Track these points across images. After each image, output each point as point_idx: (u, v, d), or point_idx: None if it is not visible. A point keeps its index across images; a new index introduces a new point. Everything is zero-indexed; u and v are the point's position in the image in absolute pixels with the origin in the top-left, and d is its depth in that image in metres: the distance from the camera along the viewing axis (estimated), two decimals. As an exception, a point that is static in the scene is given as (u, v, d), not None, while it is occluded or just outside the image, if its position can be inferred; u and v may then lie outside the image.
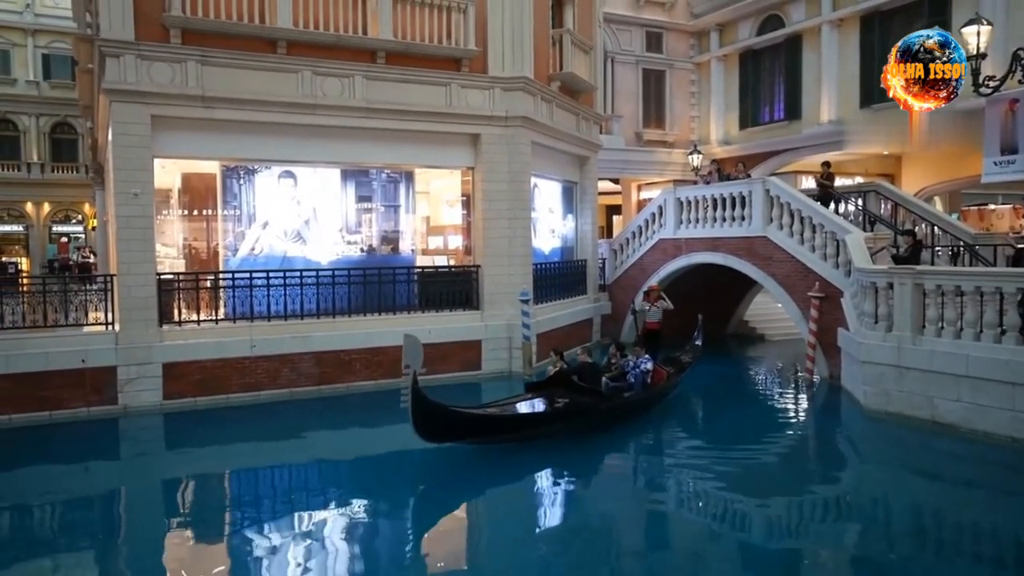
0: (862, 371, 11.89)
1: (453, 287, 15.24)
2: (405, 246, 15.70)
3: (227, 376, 12.75)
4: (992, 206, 31.57)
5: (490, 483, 9.41)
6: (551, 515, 8.70)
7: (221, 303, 13.45)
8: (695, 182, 20.86)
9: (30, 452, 10.47)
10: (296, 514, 8.41)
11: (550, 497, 9.31)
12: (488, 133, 15.09)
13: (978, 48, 11.30)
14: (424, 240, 17.55)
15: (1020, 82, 11.60)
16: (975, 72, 11.42)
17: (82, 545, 7.70)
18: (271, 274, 13.43)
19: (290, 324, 13.38)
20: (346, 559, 7.22)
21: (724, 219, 16.58)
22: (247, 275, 13.32)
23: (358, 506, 8.71)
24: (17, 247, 39.41)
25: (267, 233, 14.07)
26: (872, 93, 20.00)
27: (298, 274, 13.65)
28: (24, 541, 7.87)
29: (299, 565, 6.96)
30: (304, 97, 13.32)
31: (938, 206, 23.73)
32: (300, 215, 14.36)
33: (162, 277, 12.77)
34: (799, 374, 15.27)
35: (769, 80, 24.57)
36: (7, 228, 39.73)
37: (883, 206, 16.83)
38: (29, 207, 39.27)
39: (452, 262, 16.82)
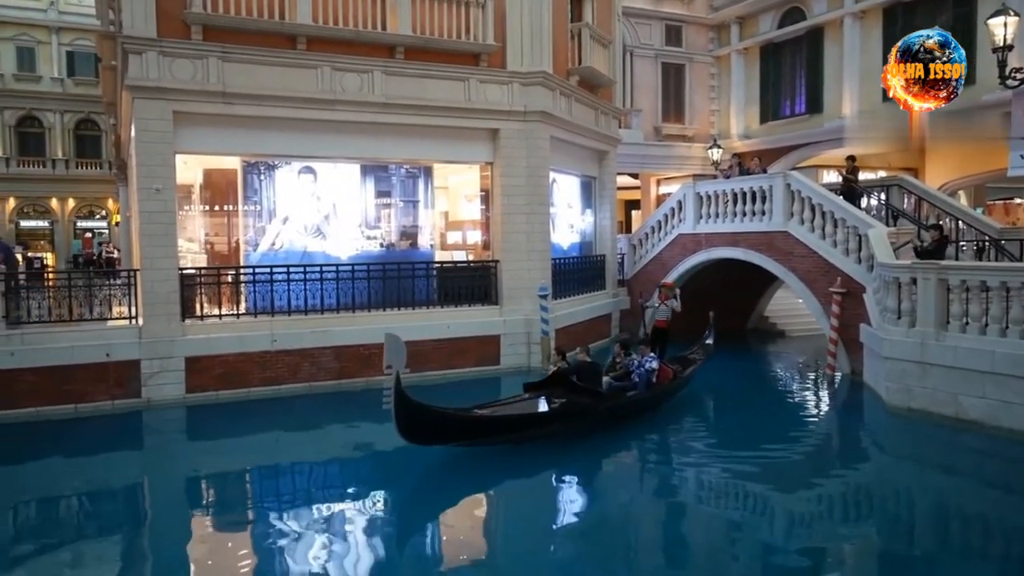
0: (884, 367, 11.77)
1: (472, 282, 15.26)
2: (424, 241, 15.74)
3: (248, 370, 12.87)
4: (1018, 200, 31.04)
5: (492, 483, 9.23)
6: (565, 514, 8.66)
7: (242, 298, 13.57)
8: (714, 177, 20.72)
9: (57, 444, 10.63)
10: (312, 508, 8.48)
11: (567, 497, 9.25)
12: (507, 128, 15.08)
13: (1005, 40, 11.13)
14: (443, 235, 17.59)
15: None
16: (1001, 64, 11.26)
17: (107, 535, 7.82)
18: (291, 269, 13.53)
19: (310, 319, 13.48)
20: (356, 555, 7.23)
21: (744, 214, 16.46)
22: (268, 270, 13.43)
23: (371, 501, 8.73)
24: (43, 242, 39.97)
25: (287, 228, 14.16)
26: (895, 86, 19.72)
27: (318, 269, 13.74)
28: (51, 531, 8.01)
29: (315, 559, 7.01)
30: (323, 93, 13.38)
31: (963, 200, 23.41)
32: (320, 210, 14.44)
33: (184, 272, 12.90)
34: (820, 370, 15.15)
35: (790, 73, 24.31)
36: (33, 224, 40.33)
37: (906, 200, 16.62)
38: (54, 203, 39.84)
39: (471, 257, 16.84)
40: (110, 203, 39.66)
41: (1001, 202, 30.57)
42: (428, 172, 15.65)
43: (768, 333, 20.45)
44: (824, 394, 14.15)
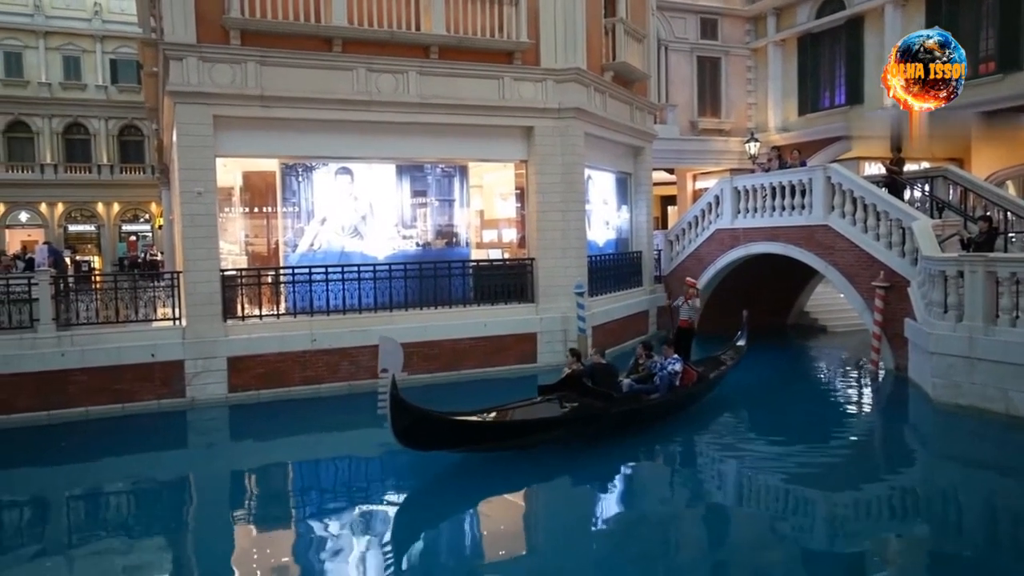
0: (931, 362, 11.49)
1: (508, 280, 15.27)
2: (460, 240, 15.80)
3: (288, 369, 13.05)
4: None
5: (502, 488, 8.97)
6: (578, 520, 8.36)
7: (282, 298, 13.77)
8: (752, 171, 20.43)
9: (106, 442, 10.92)
10: (349, 507, 8.58)
11: (583, 502, 9.05)
12: (541, 125, 15.05)
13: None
14: (478, 233, 17.63)
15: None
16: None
17: (154, 530, 8.02)
18: (329, 269, 13.68)
19: (348, 318, 13.61)
20: (379, 553, 7.30)
21: (783, 208, 16.20)
22: (307, 270, 13.60)
23: (403, 500, 8.78)
24: (90, 246, 41.11)
25: (325, 229, 14.33)
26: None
27: (356, 269, 13.87)
28: (100, 525, 8.27)
29: (349, 557, 7.11)
30: (359, 94, 13.49)
31: (1011, 191, 22.72)
32: (357, 211, 14.58)
33: (225, 273, 13.12)
34: (863, 366, 14.84)
35: (829, 64, 23.87)
36: (80, 228, 41.48)
37: (951, 191, 16.19)
38: (100, 207, 40.91)
39: (506, 255, 16.85)
40: (153, 207, 40.60)
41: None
42: (463, 171, 15.70)
43: (809, 328, 20.10)
44: (868, 391, 13.87)
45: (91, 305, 12.66)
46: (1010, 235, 14.76)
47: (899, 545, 7.34)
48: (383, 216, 14.82)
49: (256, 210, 15.26)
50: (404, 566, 6.95)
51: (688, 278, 15.61)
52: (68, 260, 24.83)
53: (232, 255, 14.94)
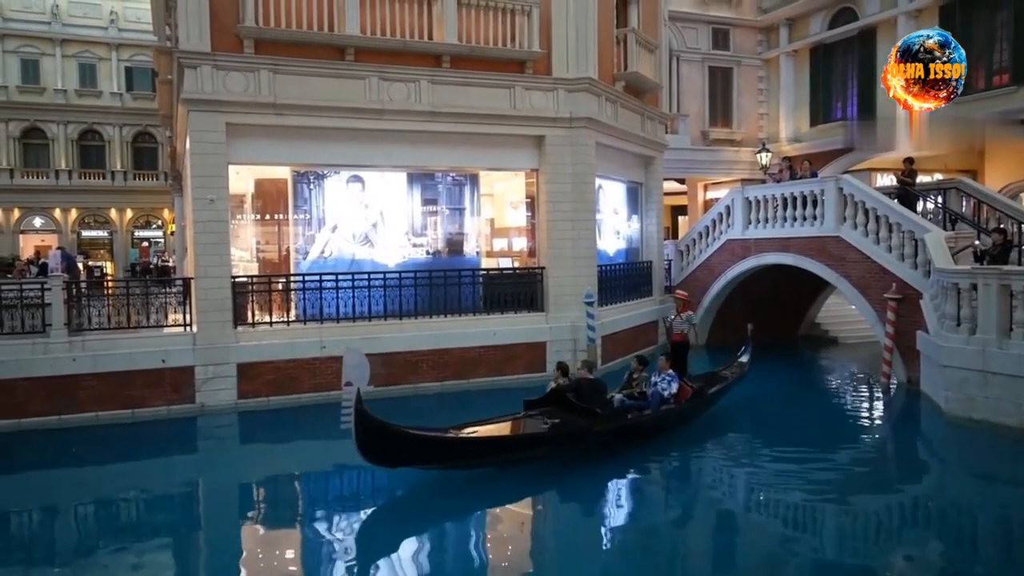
0: (943, 376, 11.40)
1: (518, 289, 15.26)
2: (470, 248, 15.81)
3: (298, 376, 13.07)
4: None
5: (508, 500, 8.94)
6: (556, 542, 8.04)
7: (292, 305, 13.79)
8: (763, 181, 20.38)
9: (116, 448, 10.97)
10: (356, 513, 8.62)
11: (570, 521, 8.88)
12: (552, 135, 15.06)
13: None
14: (489, 242, 17.63)
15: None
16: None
17: (163, 535, 8.04)
18: (340, 277, 13.70)
19: (358, 325, 13.62)
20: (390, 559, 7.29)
21: (795, 219, 16.15)
22: (317, 278, 13.63)
23: (402, 509, 8.72)
24: (102, 251, 41.38)
25: (336, 236, 14.36)
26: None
27: (366, 276, 13.89)
28: (109, 531, 8.28)
29: (355, 562, 7.10)
30: (371, 102, 13.55)
31: (1025, 203, 22.58)
32: (368, 218, 14.62)
33: (236, 280, 13.17)
34: (874, 379, 14.73)
35: (841, 75, 23.82)
36: (94, 233, 41.76)
37: (965, 203, 16.09)
38: (113, 213, 41.20)
39: (516, 264, 16.85)
40: (166, 213, 40.88)
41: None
42: (474, 179, 15.72)
43: (820, 340, 19.99)
44: (879, 404, 13.77)
45: (103, 310, 12.74)
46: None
47: (912, 562, 7.25)
48: (394, 224, 14.85)
49: (268, 217, 15.31)
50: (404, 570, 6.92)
51: (678, 290, 15.50)
52: (81, 265, 24.98)
53: (243, 262, 15.00)
